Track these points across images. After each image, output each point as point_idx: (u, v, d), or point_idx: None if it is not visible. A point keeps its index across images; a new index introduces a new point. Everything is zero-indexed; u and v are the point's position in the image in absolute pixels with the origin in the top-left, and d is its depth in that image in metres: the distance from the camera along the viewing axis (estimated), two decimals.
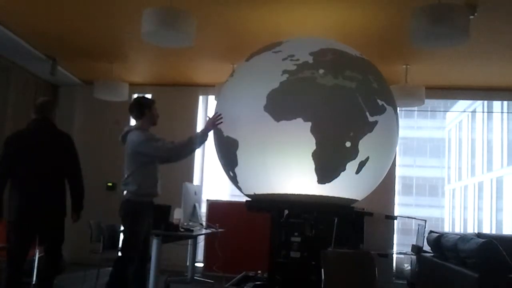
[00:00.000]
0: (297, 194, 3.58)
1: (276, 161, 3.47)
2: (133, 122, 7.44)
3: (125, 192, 3.86)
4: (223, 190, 7.51)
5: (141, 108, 3.96)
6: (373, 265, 3.43)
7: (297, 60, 3.54)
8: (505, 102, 10.06)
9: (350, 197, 3.78)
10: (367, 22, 4.72)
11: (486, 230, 17.36)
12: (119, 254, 4.02)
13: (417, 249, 5.82)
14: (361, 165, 3.51)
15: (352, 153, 3.45)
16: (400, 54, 5.60)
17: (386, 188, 6.05)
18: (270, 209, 3.97)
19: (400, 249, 6.94)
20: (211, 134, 3.88)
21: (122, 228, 4.03)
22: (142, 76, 7.16)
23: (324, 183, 3.51)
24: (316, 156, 3.39)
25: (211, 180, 7.53)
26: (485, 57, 5.58)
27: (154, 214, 4.05)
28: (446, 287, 4.68)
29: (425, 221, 6.07)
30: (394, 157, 4.16)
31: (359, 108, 3.48)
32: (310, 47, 3.67)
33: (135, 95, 7.46)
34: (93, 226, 5.25)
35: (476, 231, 7.61)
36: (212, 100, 7.34)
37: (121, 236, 4.95)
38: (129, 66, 6.62)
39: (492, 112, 16.37)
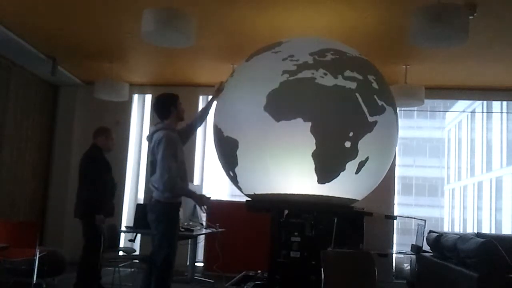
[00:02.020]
0: (297, 194, 3.59)
1: (276, 161, 3.48)
2: (134, 121, 7.52)
3: (154, 192, 3.60)
4: (223, 190, 7.51)
5: (166, 106, 3.72)
6: (373, 265, 3.43)
7: (297, 60, 3.55)
8: (505, 102, 10.07)
9: (350, 197, 3.79)
10: (367, 22, 4.72)
11: (485, 230, 17.36)
12: (159, 260, 3.58)
13: (416, 249, 5.82)
14: (361, 165, 3.52)
15: (352, 153, 3.46)
16: (400, 54, 5.61)
17: (385, 188, 6.05)
18: (270, 209, 3.97)
19: (400, 249, 6.94)
20: (210, 128, 3.98)
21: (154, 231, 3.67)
22: (142, 76, 7.15)
23: (324, 183, 3.51)
24: (316, 156, 3.40)
25: (211, 180, 7.54)
26: (485, 57, 5.58)
27: None
28: (446, 287, 4.69)
29: (425, 221, 6.07)
30: (393, 157, 4.17)
31: (359, 108, 3.49)
32: (310, 47, 3.68)
33: (136, 95, 7.50)
34: None
35: (475, 231, 7.62)
36: None
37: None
38: (129, 66, 6.61)
39: (492, 112, 16.38)
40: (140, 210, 5.43)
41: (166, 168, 3.47)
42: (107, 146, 4.95)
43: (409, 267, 6.48)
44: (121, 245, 6.14)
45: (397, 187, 7.07)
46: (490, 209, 18.38)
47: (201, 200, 3.76)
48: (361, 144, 3.47)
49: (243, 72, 4.01)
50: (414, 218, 6.41)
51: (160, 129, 3.65)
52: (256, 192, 3.83)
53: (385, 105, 3.65)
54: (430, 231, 5.67)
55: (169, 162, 3.49)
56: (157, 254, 3.59)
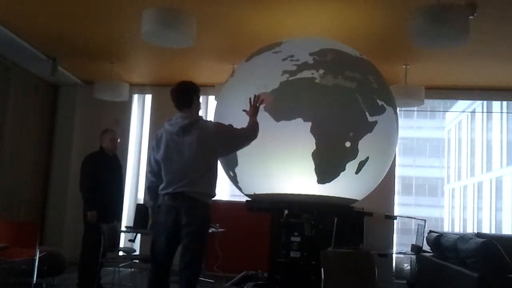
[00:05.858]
0: (297, 194, 3.59)
1: (276, 161, 3.48)
2: (134, 121, 7.51)
3: (194, 194, 3.15)
4: (223, 190, 7.50)
5: (190, 94, 3.31)
6: (373, 265, 3.43)
7: (297, 60, 3.56)
8: (505, 102, 10.06)
9: (350, 197, 3.79)
10: (367, 22, 4.72)
11: (485, 230, 17.35)
12: (190, 268, 3.14)
13: (416, 249, 5.83)
14: (361, 165, 3.52)
15: (352, 153, 3.46)
16: (400, 54, 5.60)
17: (385, 188, 6.04)
18: (270, 209, 3.97)
19: (400, 249, 6.94)
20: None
21: (190, 237, 3.13)
22: (142, 76, 7.15)
23: (324, 183, 3.52)
24: (316, 156, 3.40)
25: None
26: (485, 57, 5.58)
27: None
28: (446, 287, 4.69)
29: (425, 221, 6.07)
30: (393, 157, 4.17)
31: (359, 108, 3.49)
32: (310, 47, 3.68)
33: (136, 95, 7.50)
34: None
35: (475, 231, 7.62)
36: (212, 100, 7.33)
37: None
38: (129, 66, 6.61)
39: (492, 112, 16.37)
40: (140, 210, 5.44)
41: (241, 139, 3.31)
42: (107, 146, 5.08)
43: (409, 267, 6.49)
44: (121, 245, 6.14)
45: (397, 187, 7.06)
46: (490, 209, 18.37)
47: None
48: (361, 144, 3.47)
49: (243, 72, 4.01)
50: (414, 218, 6.41)
51: (200, 119, 3.31)
52: (256, 192, 3.83)
53: (385, 105, 3.65)
54: (430, 231, 5.67)
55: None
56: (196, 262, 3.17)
